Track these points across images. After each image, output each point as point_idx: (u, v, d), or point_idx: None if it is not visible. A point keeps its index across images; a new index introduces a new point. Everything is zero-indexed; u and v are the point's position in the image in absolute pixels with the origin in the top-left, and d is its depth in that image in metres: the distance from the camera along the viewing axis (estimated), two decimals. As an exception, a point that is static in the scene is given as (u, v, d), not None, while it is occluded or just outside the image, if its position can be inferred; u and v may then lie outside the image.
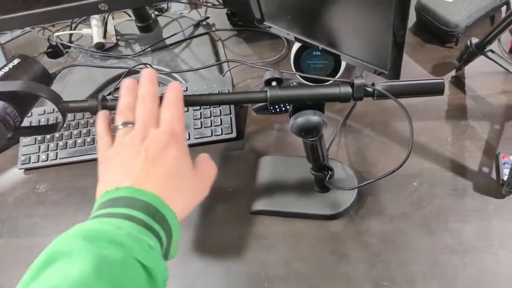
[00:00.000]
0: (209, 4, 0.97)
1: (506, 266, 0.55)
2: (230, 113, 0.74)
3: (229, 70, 0.83)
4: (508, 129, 0.66)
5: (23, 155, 0.78)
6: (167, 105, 0.43)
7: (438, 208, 0.61)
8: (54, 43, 0.98)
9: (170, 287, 0.36)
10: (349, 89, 0.46)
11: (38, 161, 0.77)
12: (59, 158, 0.77)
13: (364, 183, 0.56)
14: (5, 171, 0.79)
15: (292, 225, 0.63)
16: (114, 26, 0.97)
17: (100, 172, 0.42)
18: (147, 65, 0.85)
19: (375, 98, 0.46)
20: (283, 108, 0.75)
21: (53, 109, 0.81)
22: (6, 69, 0.47)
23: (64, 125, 0.51)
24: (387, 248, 0.59)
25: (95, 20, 0.94)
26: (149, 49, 0.91)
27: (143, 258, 0.32)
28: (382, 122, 0.71)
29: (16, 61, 0.48)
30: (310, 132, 0.50)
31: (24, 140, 0.79)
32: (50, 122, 0.80)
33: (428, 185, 0.63)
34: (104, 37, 0.93)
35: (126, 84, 0.45)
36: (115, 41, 0.94)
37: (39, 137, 0.79)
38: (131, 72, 0.85)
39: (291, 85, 0.74)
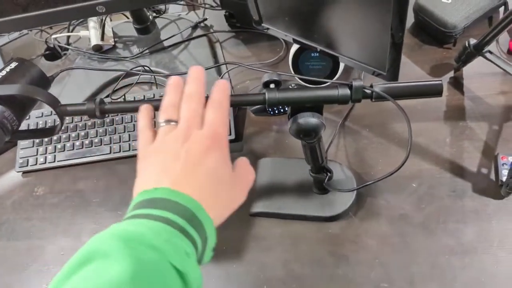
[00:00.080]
0: (207, 6, 0.97)
1: (505, 266, 0.55)
2: (229, 115, 0.74)
3: (227, 72, 0.83)
4: (507, 129, 0.66)
5: (21, 158, 0.78)
6: (213, 106, 0.42)
7: (437, 209, 0.61)
8: (51, 45, 0.97)
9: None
10: (347, 91, 0.46)
11: (36, 164, 0.77)
12: (57, 161, 0.76)
13: (363, 185, 0.56)
14: (3, 174, 0.79)
15: (291, 227, 0.63)
16: (112, 28, 0.96)
17: (139, 167, 0.40)
18: (145, 67, 0.85)
19: (373, 100, 0.46)
20: (282, 110, 0.75)
21: (51, 112, 0.81)
22: (4, 72, 0.47)
23: (62, 128, 0.51)
24: (386, 249, 0.59)
25: (92, 22, 0.94)
26: (147, 51, 0.91)
27: (180, 264, 0.32)
28: (380, 123, 0.71)
29: (13, 65, 0.48)
30: (308, 134, 0.50)
31: (22, 143, 0.79)
32: (48, 124, 0.80)
33: (427, 186, 0.63)
34: (102, 39, 0.93)
35: (172, 81, 0.44)
36: (113, 43, 0.94)
37: (37, 140, 0.78)
38: (129, 74, 0.85)
39: (290, 87, 0.74)
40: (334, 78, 0.72)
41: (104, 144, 0.76)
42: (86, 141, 0.77)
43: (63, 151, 0.77)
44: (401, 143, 0.68)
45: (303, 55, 0.70)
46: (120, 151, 0.75)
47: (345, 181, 0.63)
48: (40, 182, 0.76)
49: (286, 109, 0.75)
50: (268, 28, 0.63)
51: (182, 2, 1.06)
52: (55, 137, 0.78)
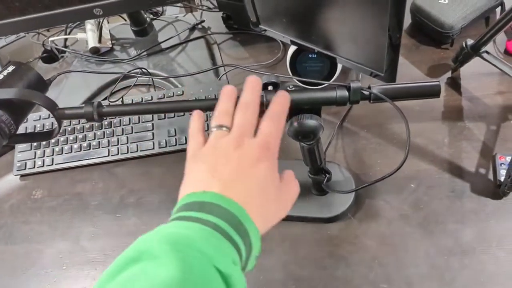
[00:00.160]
0: (204, 8, 0.97)
1: (504, 267, 0.55)
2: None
3: (225, 73, 0.83)
4: (504, 129, 0.67)
5: (18, 161, 0.77)
6: (270, 117, 0.42)
7: (435, 209, 0.61)
8: (49, 48, 0.97)
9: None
10: (345, 93, 0.46)
11: (34, 167, 0.77)
12: (55, 164, 0.76)
13: (362, 186, 0.56)
14: (0, 178, 0.79)
15: (290, 228, 0.63)
16: (109, 30, 0.96)
17: (187, 169, 0.40)
18: (143, 69, 0.85)
19: (371, 101, 0.46)
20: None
21: (49, 115, 0.81)
22: (1, 76, 0.47)
23: (60, 131, 0.51)
24: (385, 250, 0.59)
25: (90, 24, 0.94)
26: (144, 53, 0.91)
27: (226, 270, 0.32)
28: (378, 124, 0.71)
29: (10, 68, 0.48)
30: (307, 136, 0.50)
31: (19, 146, 0.78)
32: (46, 127, 0.80)
33: (425, 187, 0.63)
34: (99, 41, 0.93)
35: (225, 90, 0.44)
36: (111, 46, 0.94)
37: (35, 143, 0.78)
38: (127, 76, 0.85)
39: (288, 88, 0.74)
40: (332, 80, 0.72)
41: (102, 147, 0.76)
42: (84, 144, 0.77)
43: (61, 154, 0.77)
44: (399, 143, 0.68)
45: (301, 56, 0.70)
46: (118, 153, 0.75)
47: (343, 182, 0.63)
48: (38, 185, 0.76)
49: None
50: (265, 30, 0.63)
51: (179, 4, 1.06)
52: (53, 140, 0.78)
